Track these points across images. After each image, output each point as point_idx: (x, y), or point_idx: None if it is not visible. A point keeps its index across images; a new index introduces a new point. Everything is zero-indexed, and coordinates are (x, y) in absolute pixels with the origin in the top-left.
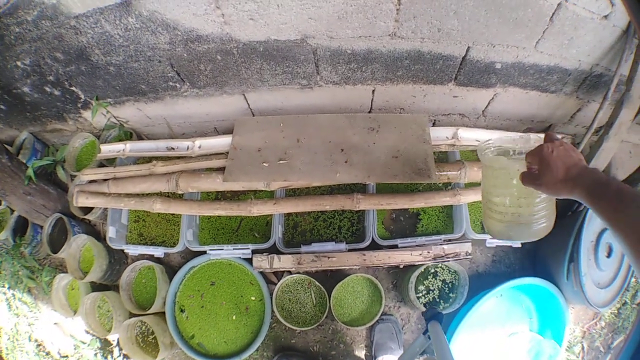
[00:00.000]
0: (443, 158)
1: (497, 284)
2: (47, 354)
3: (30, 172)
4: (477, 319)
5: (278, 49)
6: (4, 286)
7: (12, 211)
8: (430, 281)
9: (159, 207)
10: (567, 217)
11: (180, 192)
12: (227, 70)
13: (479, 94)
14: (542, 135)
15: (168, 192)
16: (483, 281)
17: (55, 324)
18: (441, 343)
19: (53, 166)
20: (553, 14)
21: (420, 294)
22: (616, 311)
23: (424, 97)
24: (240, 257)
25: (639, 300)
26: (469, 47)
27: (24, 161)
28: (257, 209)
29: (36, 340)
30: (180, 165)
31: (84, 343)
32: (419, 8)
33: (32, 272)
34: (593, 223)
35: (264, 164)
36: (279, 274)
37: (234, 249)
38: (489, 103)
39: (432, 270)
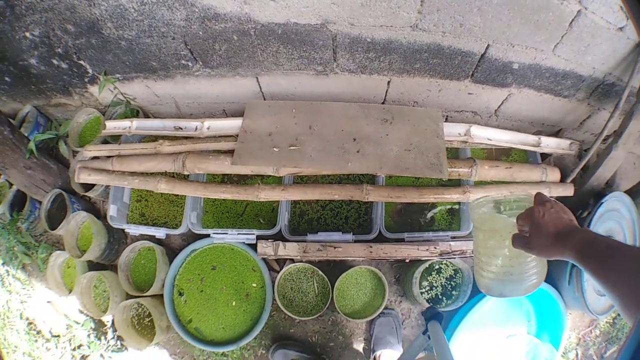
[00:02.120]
0: (454, 154)
1: None
2: (38, 332)
3: (31, 145)
4: (477, 319)
5: (297, 33)
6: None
7: (11, 185)
8: (434, 277)
9: (163, 187)
10: None
11: (186, 172)
12: (242, 51)
13: (494, 92)
14: (532, 192)
15: (173, 173)
16: None
17: (48, 302)
18: (441, 343)
19: (55, 141)
20: (573, 20)
21: (424, 290)
22: (611, 320)
23: (439, 92)
24: (243, 243)
25: None
26: (488, 45)
27: (26, 134)
28: (265, 195)
29: (27, 319)
30: (187, 145)
31: (77, 323)
32: (444, 1)
33: (28, 248)
34: (598, 229)
35: (274, 149)
36: (281, 262)
37: (238, 233)
38: (502, 103)
39: (437, 267)
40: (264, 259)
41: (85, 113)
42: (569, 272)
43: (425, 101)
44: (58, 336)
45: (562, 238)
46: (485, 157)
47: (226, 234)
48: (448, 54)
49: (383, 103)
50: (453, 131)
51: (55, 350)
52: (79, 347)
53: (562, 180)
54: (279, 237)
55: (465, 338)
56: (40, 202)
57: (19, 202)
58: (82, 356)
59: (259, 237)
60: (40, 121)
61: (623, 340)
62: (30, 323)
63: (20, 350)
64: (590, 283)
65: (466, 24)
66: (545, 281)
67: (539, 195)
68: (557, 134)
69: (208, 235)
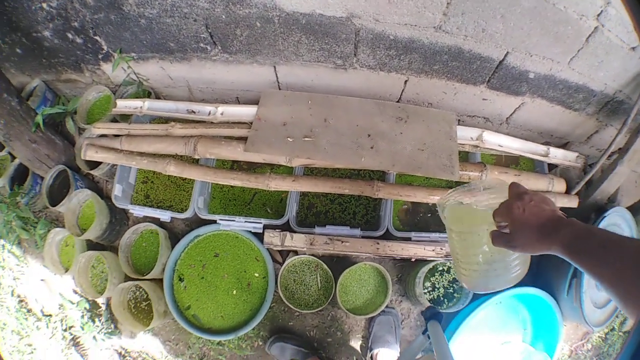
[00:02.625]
0: (464, 158)
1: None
2: (29, 311)
3: (39, 118)
4: (475, 324)
5: (321, 24)
6: None
7: (13, 159)
8: (437, 278)
9: (172, 169)
10: None
11: (197, 156)
12: (263, 38)
13: (508, 100)
14: (504, 181)
15: (183, 156)
16: None
17: (42, 280)
18: (441, 343)
19: (63, 116)
20: (589, 35)
21: (426, 290)
22: (604, 335)
23: (455, 95)
24: (249, 232)
25: (626, 328)
26: (507, 52)
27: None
28: (275, 184)
29: (19, 296)
30: (199, 129)
31: (72, 303)
32: (469, 6)
33: (26, 223)
34: None
35: (288, 139)
36: (284, 254)
37: (245, 221)
38: (514, 111)
39: (441, 268)
40: (267, 250)
41: (95, 91)
42: (569, 283)
43: (439, 103)
44: (50, 315)
45: (547, 232)
46: (494, 163)
47: (233, 221)
48: (467, 58)
49: (398, 102)
50: (465, 135)
51: (45, 329)
52: (70, 327)
53: (567, 192)
54: (285, 227)
55: (463, 341)
56: (42, 178)
57: (20, 176)
58: (73, 337)
59: (266, 227)
60: (48, 96)
61: (625, 338)
62: (22, 301)
63: (9, 328)
64: (588, 295)
65: (488, 29)
66: (545, 290)
67: (514, 187)
68: (564, 146)
69: (214, 222)
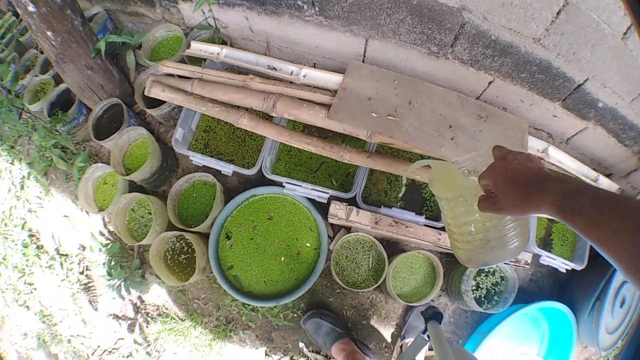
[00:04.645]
0: None
1: (525, 300)
2: (39, 247)
3: (101, 44)
4: (503, 331)
5: (431, 9)
6: (20, 160)
7: (57, 84)
8: (482, 279)
9: (245, 122)
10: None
11: (274, 114)
12: (367, 9)
13: (574, 122)
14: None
15: (253, 110)
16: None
17: (65, 216)
18: (441, 343)
19: (124, 49)
20: None
21: (470, 289)
22: None
23: (530, 105)
24: (308, 200)
25: None
26: (587, 79)
27: None
28: (350, 157)
29: (30, 230)
30: (280, 87)
31: (102, 245)
32: (569, 28)
33: (64, 152)
34: None
35: (373, 114)
36: (335, 229)
37: (312, 189)
38: (577, 133)
39: (487, 270)
40: (323, 222)
41: (164, 29)
42: (592, 304)
43: (513, 110)
44: (65, 255)
45: (535, 191)
46: None
47: (300, 186)
48: (553, 74)
49: (477, 99)
50: (533, 145)
51: (59, 269)
52: (86, 270)
53: None
54: (350, 202)
55: (493, 346)
56: (88, 108)
57: (61, 103)
58: (88, 282)
59: (330, 198)
60: (109, 26)
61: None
62: (32, 236)
63: (10, 263)
64: (604, 319)
65: (579, 53)
66: (569, 307)
67: (497, 149)
68: (608, 177)
69: (272, 182)
